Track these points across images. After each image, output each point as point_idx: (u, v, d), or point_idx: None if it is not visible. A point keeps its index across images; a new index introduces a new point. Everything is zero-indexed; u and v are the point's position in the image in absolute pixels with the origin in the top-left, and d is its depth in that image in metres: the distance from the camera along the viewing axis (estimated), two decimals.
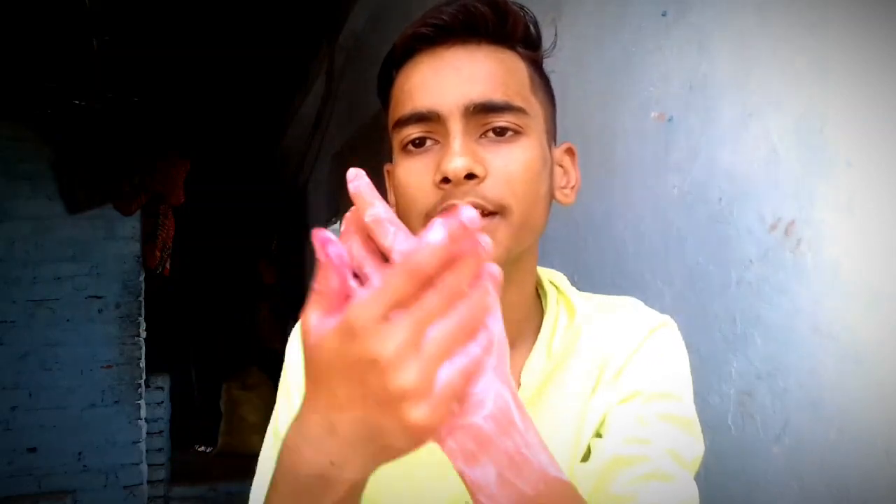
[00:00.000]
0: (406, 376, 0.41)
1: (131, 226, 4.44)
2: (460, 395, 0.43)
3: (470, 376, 0.43)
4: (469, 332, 0.43)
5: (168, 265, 4.67)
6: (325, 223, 4.79)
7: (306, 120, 5.11)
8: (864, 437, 0.90)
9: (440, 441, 0.46)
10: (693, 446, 0.70)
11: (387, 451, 0.45)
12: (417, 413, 0.41)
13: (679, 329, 0.77)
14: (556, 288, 0.78)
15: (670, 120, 1.28)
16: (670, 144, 1.28)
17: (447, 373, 0.42)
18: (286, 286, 6.02)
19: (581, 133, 1.47)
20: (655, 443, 0.67)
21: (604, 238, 1.50)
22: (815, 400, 0.97)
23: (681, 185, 1.25)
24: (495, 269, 0.44)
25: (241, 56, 4.34)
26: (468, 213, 0.41)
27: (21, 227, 4.23)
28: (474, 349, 0.43)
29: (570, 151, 0.76)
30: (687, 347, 0.77)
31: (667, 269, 1.29)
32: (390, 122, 0.70)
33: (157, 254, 4.46)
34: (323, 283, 0.44)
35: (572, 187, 0.76)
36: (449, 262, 0.42)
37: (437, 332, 0.41)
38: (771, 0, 1.06)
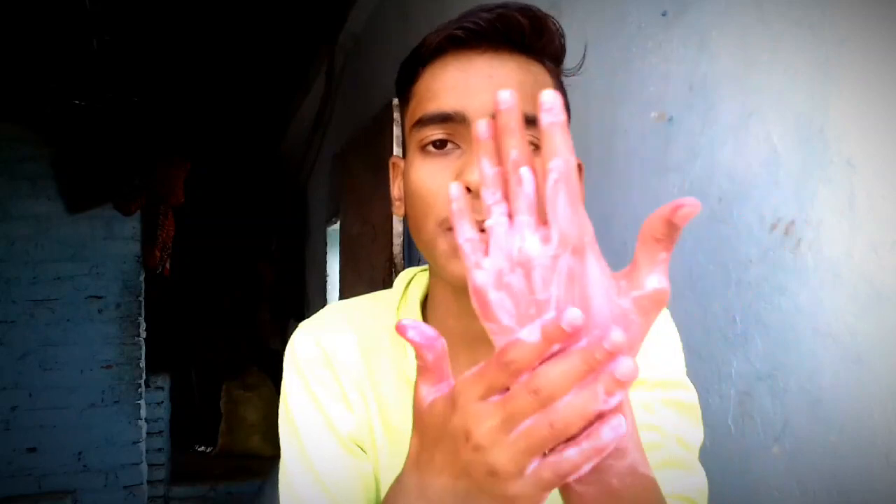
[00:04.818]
0: (495, 457, 0.43)
1: (131, 226, 4.43)
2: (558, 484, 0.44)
3: (566, 476, 0.42)
4: (562, 432, 0.41)
5: (168, 265, 4.67)
6: (325, 223, 4.79)
7: (306, 120, 5.11)
8: (864, 437, 0.90)
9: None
10: (696, 432, 0.71)
11: None
12: (506, 489, 0.43)
13: (679, 329, 0.77)
14: None
15: (670, 120, 1.28)
16: (670, 144, 1.28)
17: (539, 467, 0.42)
18: (286, 286, 6.01)
19: (581, 133, 1.47)
20: (663, 429, 0.68)
21: (604, 238, 1.49)
22: (814, 400, 0.97)
23: (681, 185, 1.25)
24: (625, 369, 0.40)
25: (242, 56, 4.34)
26: (570, 316, 0.41)
27: (21, 227, 4.23)
28: (572, 453, 0.42)
29: (579, 167, 0.77)
30: (687, 347, 0.78)
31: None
32: (410, 119, 0.69)
33: (157, 254, 4.46)
34: (422, 360, 0.47)
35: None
36: (551, 355, 0.42)
37: (525, 428, 0.42)
38: (771, 0, 1.06)
